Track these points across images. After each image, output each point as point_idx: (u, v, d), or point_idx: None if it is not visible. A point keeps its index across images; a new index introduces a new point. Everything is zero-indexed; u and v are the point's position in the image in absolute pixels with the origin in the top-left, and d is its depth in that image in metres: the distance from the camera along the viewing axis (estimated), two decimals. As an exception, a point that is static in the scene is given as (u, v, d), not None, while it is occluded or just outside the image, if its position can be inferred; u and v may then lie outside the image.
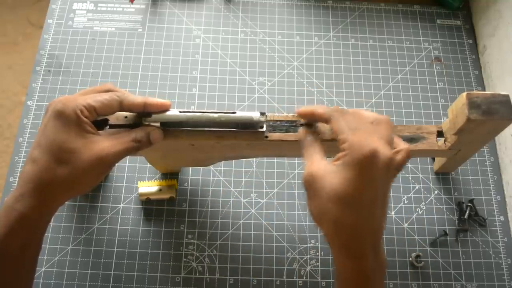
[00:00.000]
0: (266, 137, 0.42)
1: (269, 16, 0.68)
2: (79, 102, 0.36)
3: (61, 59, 0.63)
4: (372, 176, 0.33)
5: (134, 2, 0.68)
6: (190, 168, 0.58)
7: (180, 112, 0.40)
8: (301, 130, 0.41)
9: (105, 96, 0.37)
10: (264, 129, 0.42)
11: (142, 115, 0.40)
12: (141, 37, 0.65)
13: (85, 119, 0.36)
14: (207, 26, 0.67)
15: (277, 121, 0.43)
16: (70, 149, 0.35)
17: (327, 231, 0.35)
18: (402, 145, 0.38)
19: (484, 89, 0.64)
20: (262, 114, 0.41)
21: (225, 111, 0.41)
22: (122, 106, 0.38)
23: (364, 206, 0.33)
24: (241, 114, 0.41)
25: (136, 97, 0.39)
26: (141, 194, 0.54)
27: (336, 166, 0.34)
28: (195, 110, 0.41)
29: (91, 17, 0.66)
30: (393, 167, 0.34)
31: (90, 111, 0.36)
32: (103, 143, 0.37)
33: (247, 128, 0.42)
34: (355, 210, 0.33)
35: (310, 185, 0.35)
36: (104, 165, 0.37)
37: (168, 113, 0.40)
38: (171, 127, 0.41)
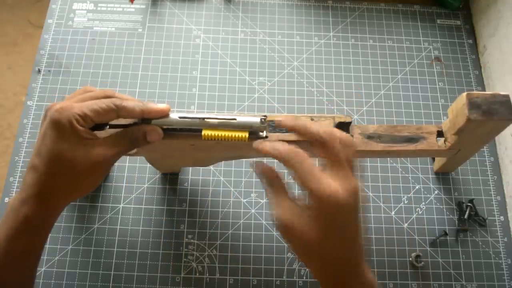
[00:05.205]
0: (266, 137, 0.42)
1: (269, 16, 0.68)
2: (74, 111, 0.36)
3: (61, 59, 0.63)
4: (341, 223, 0.34)
5: (134, 2, 0.68)
6: (190, 168, 0.57)
7: (180, 118, 0.40)
8: (260, 166, 0.38)
9: (102, 105, 0.37)
10: (265, 134, 0.42)
11: (142, 119, 0.40)
12: (141, 37, 0.65)
13: (80, 127, 0.36)
14: (207, 26, 0.67)
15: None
16: (68, 158, 0.36)
17: (312, 270, 0.38)
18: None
19: (484, 89, 0.64)
20: (263, 120, 0.41)
21: (225, 117, 0.41)
22: (119, 114, 0.38)
23: (341, 246, 0.35)
24: (241, 120, 0.41)
25: (135, 105, 0.39)
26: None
27: (306, 215, 0.35)
28: (195, 113, 0.41)
29: (91, 17, 0.66)
30: (359, 201, 0.35)
31: (85, 119, 0.36)
32: (101, 148, 0.37)
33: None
34: (332, 252, 0.35)
35: (285, 233, 0.36)
36: (103, 167, 0.38)
37: (167, 118, 0.40)
38: (171, 131, 0.41)
